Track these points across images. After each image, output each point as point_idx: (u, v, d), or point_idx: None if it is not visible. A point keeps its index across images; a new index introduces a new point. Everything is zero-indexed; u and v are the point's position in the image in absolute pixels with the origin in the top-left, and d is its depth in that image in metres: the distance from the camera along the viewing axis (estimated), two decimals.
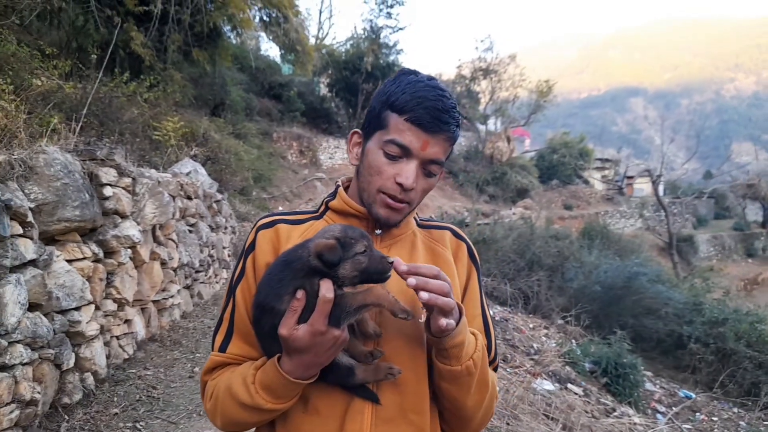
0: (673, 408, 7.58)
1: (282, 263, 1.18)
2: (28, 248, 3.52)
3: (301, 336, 1.08)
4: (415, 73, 1.28)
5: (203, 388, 1.33)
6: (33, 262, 3.62)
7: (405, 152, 1.22)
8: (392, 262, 1.11)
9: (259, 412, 1.19)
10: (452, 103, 1.25)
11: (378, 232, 1.34)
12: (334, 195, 1.40)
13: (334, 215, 1.37)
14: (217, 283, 8.66)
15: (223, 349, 1.31)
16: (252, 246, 1.34)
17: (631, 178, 40.54)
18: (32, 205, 3.71)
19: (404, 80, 1.26)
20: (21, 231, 3.48)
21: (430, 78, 1.28)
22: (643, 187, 40.32)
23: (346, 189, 1.41)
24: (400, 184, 1.23)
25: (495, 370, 1.42)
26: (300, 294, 1.09)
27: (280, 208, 16.33)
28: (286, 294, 1.12)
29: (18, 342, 3.32)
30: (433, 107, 1.21)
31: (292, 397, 1.18)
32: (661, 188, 30.99)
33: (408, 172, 1.22)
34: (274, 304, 1.14)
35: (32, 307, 3.55)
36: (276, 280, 1.16)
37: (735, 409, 8.28)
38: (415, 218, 1.44)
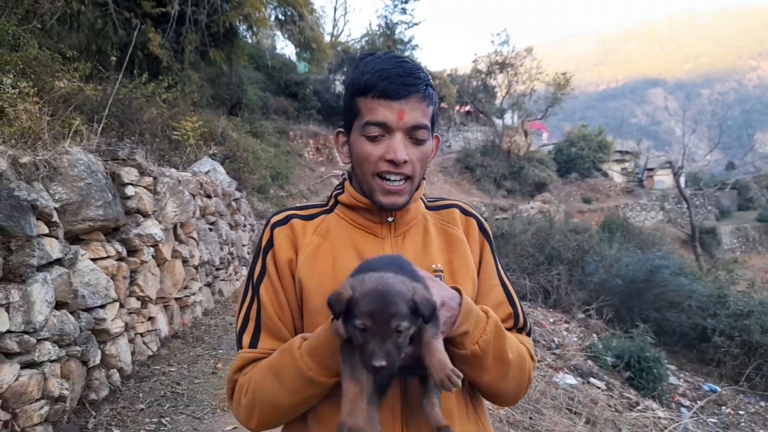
0: (698, 402, 7.47)
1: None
2: (53, 247, 3.59)
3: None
4: (371, 53, 1.26)
5: (232, 388, 1.26)
6: (59, 261, 3.69)
7: (384, 129, 1.20)
8: (378, 369, 0.95)
9: (300, 386, 1.13)
10: (415, 65, 1.23)
11: (390, 219, 1.31)
12: (342, 188, 1.37)
13: (344, 208, 1.35)
14: (237, 280, 8.74)
15: (253, 345, 1.26)
16: (270, 243, 1.31)
17: (651, 170, 39.93)
18: (57, 205, 3.78)
19: (362, 64, 1.24)
20: (47, 231, 3.55)
21: (387, 53, 1.26)
22: (663, 179, 39.71)
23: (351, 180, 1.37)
24: (391, 161, 1.20)
25: (529, 334, 1.39)
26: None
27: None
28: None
29: (46, 339, 3.39)
30: (395, 74, 1.19)
31: (336, 367, 1.09)
32: (682, 180, 30.51)
33: (394, 145, 1.19)
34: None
35: (59, 305, 3.62)
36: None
37: (762, 403, 8.14)
38: (422, 200, 1.41)
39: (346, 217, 1.33)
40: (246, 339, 1.27)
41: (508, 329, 1.32)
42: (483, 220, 1.44)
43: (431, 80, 1.27)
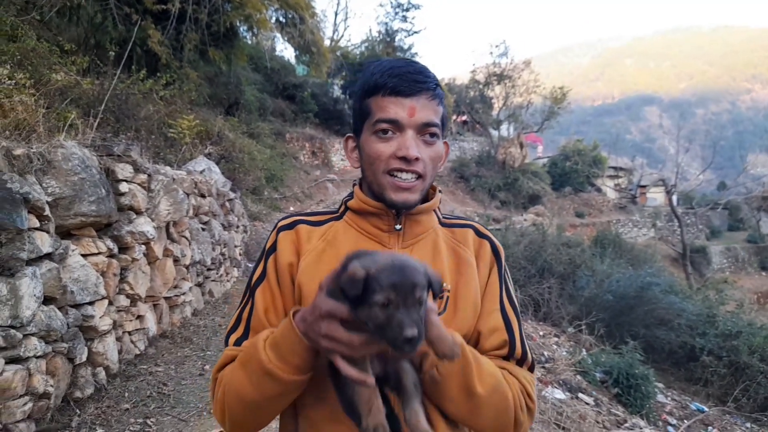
0: (685, 421, 7.47)
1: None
2: (44, 242, 3.53)
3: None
4: (378, 59, 1.30)
5: (213, 385, 1.24)
6: (49, 256, 3.63)
7: (396, 126, 1.20)
8: (411, 340, 0.89)
9: (260, 380, 1.09)
10: (423, 66, 1.26)
11: (398, 227, 1.28)
12: (352, 195, 1.36)
13: (353, 215, 1.33)
14: (228, 281, 8.67)
15: (238, 344, 1.25)
16: (273, 247, 1.31)
17: (644, 187, 40.15)
18: (49, 199, 3.73)
19: (370, 67, 1.26)
20: (38, 224, 3.50)
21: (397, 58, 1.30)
22: (656, 196, 39.98)
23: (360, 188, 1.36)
24: (403, 158, 1.19)
25: (531, 370, 1.30)
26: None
27: (291, 209, 16.36)
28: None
29: (32, 335, 3.33)
30: (405, 72, 1.21)
31: (296, 364, 1.06)
32: (674, 198, 30.70)
33: (406, 142, 1.19)
34: None
35: (47, 300, 3.57)
36: None
37: (748, 425, 8.15)
38: (437, 214, 1.38)
39: (354, 225, 1.32)
40: (233, 338, 1.28)
41: (503, 358, 1.27)
42: (498, 244, 1.39)
43: (438, 81, 1.28)
